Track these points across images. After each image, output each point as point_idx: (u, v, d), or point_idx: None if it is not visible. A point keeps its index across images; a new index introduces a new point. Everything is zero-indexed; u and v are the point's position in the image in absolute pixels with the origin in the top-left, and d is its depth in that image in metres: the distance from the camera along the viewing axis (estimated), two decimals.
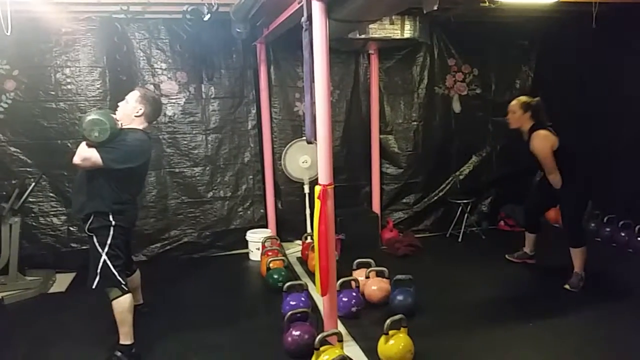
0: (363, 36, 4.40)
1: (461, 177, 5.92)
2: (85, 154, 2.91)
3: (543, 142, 3.97)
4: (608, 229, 5.35)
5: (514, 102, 4.18)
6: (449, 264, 4.87)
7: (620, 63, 5.33)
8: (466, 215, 5.61)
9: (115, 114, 3.13)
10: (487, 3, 4.38)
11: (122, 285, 3.05)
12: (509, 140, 5.61)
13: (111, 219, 3.02)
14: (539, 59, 5.92)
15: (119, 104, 3.20)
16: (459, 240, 5.55)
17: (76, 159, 2.94)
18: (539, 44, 5.89)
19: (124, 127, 3.09)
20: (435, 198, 5.88)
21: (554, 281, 4.17)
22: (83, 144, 2.95)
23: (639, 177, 5.16)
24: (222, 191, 5.32)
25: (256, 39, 4.99)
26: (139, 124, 3.16)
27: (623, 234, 5.17)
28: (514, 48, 5.88)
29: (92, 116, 2.92)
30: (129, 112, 3.13)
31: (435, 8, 2.85)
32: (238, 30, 4.46)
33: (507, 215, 5.90)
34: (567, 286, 4.05)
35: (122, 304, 3.04)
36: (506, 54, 5.85)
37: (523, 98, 4.18)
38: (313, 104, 3.03)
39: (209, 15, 4.22)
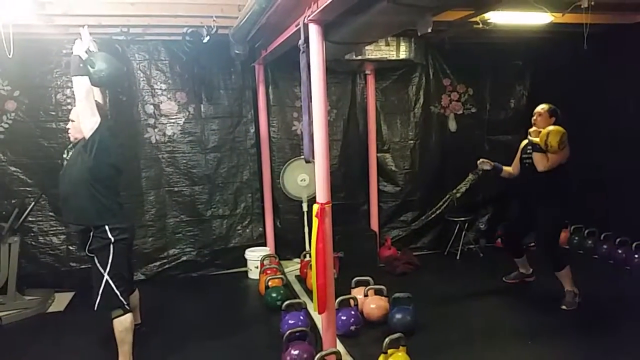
0: (359, 57, 4.48)
1: (458, 195, 5.95)
2: None
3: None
4: (605, 247, 5.37)
5: (543, 106, 4.20)
6: (448, 282, 4.88)
7: (611, 83, 5.41)
8: (464, 233, 5.64)
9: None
10: (481, 25, 4.48)
11: (125, 305, 3.07)
12: (505, 158, 5.66)
13: (110, 235, 3.04)
14: (533, 78, 6.02)
15: (67, 127, 3.21)
16: (457, 258, 5.57)
17: None
18: (532, 64, 5.99)
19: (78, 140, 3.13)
20: (433, 216, 5.88)
21: (551, 299, 4.17)
22: None
23: (634, 194, 5.20)
24: (220, 209, 5.35)
25: (255, 60, 5.07)
26: None
27: (620, 251, 5.19)
28: (508, 68, 5.97)
29: None
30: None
31: (430, 30, 2.93)
32: (237, 51, 4.54)
33: (504, 233, 5.91)
34: (563, 307, 4.05)
35: (124, 323, 3.06)
36: (500, 74, 5.95)
37: (549, 105, 4.20)
38: (311, 123, 3.08)
39: (208, 38, 4.30)
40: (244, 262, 5.22)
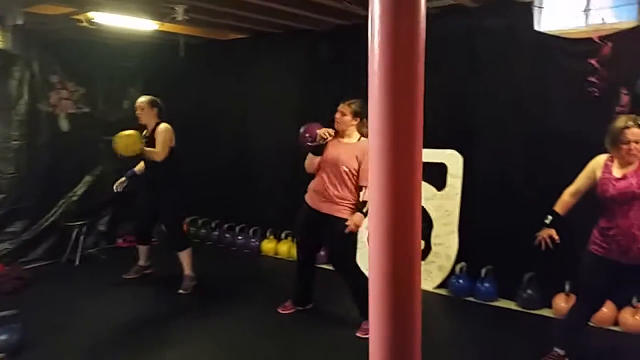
0: None
1: (75, 198, 5.68)
2: None
3: (168, 131, 4.34)
4: (216, 233, 6.12)
5: (141, 99, 4.44)
6: (67, 291, 4.60)
7: (211, 90, 6.16)
8: (83, 237, 5.42)
9: None
10: (86, 23, 4.39)
11: None
12: (123, 158, 5.73)
13: None
14: (146, 81, 6.23)
15: None
16: (77, 264, 5.31)
17: None
18: (143, 67, 6.21)
19: None
20: (48, 223, 5.45)
21: (171, 286, 4.52)
22: None
23: (235, 186, 6.08)
24: None
25: None
26: None
27: (228, 235, 6.02)
28: (120, 69, 6.01)
29: None
30: None
31: (21, 22, 2.73)
32: None
33: (126, 232, 5.99)
34: (181, 290, 4.46)
35: None
36: (113, 74, 5.94)
37: (149, 97, 4.46)
38: None
39: None
40: None
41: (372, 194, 0.79)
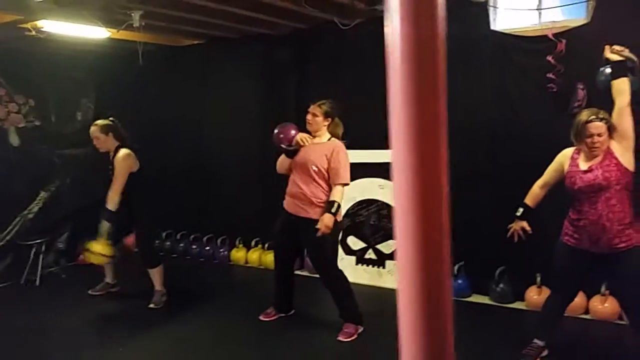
0: None
1: (31, 215, 5.42)
2: None
3: (125, 159, 4.08)
4: (182, 245, 5.95)
5: (93, 128, 4.17)
6: (29, 313, 4.36)
7: (163, 94, 5.98)
8: (41, 255, 5.17)
9: None
10: (34, 32, 4.19)
11: None
12: (80, 171, 5.52)
13: None
14: (98, 91, 6.02)
15: None
16: (37, 284, 5.06)
17: None
18: (96, 76, 5.98)
19: None
20: (3, 243, 5.18)
21: (139, 302, 4.37)
22: None
23: (192, 195, 5.93)
24: None
25: None
26: None
27: (195, 247, 5.86)
28: (70, 80, 5.79)
29: None
30: None
31: None
32: None
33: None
34: (152, 305, 4.32)
35: None
36: (63, 86, 5.71)
37: (100, 124, 4.19)
38: None
39: None
40: None
41: (397, 198, 0.75)
